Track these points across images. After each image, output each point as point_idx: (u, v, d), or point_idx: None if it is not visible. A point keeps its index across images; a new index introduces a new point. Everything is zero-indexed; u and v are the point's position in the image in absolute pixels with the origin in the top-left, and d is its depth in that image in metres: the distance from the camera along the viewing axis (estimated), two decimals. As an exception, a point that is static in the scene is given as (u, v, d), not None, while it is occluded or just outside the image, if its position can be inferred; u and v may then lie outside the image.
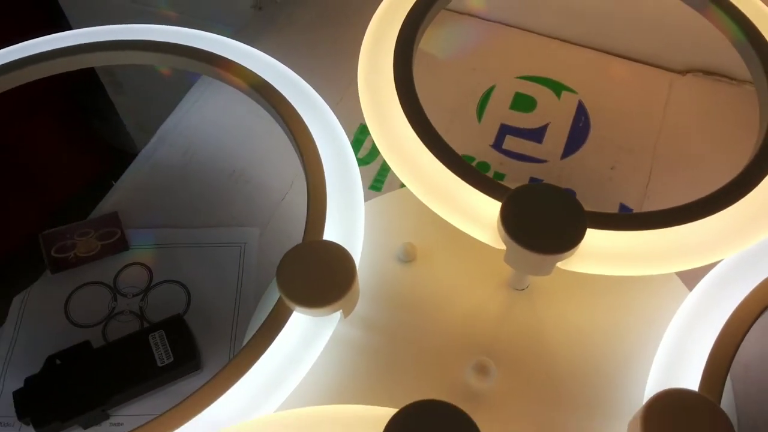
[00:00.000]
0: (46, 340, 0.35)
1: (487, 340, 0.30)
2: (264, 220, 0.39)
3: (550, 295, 0.32)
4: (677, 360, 0.26)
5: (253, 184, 0.41)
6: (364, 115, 0.32)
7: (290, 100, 0.35)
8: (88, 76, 0.92)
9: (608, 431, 0.28)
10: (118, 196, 0.41)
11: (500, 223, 0.27)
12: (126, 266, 0.37)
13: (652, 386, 0.26)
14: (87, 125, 1.04)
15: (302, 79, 0.36)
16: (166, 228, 0.39)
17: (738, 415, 0.31)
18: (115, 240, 0.38)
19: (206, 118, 0.45)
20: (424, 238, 0.33)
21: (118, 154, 1.12)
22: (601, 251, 0.27)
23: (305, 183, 0.32)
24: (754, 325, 0.28)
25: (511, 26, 0.50)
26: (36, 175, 0.96)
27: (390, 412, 0.22)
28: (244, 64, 0.37)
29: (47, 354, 0.33)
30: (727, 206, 0.28)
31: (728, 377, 0.26)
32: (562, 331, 0.31)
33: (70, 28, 0.78)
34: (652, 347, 0.27)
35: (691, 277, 0.29)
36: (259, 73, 0.37)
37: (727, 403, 0.31)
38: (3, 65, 0.38)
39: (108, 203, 0.40)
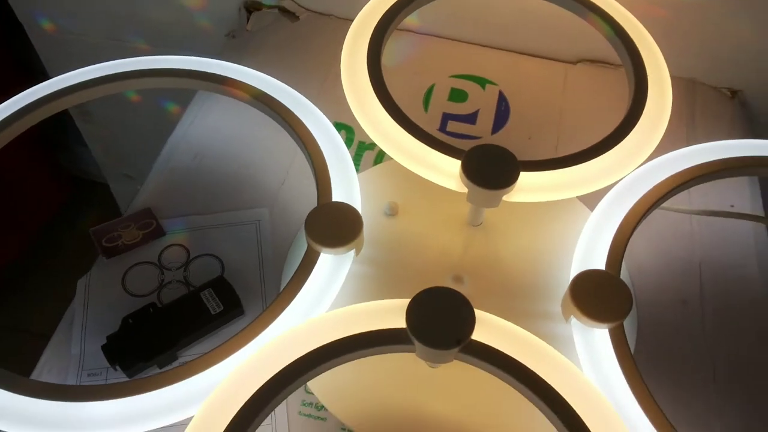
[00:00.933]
0: (112, 310, 0.42)
1: (459, 261, 0.41)
2: (271, 202, 0.49)
3: (498, 226, 0.43)
4: (589, 252, 0.37)
5: (256, 175, 0.50)
6: (350, 106, 0.42)
7: (286, 104, 0.45)
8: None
9: (550, 309, 0.39)
10: (146, 196, 0.49)
11: (462, 172, 0.37)
12: (166, 247, 0.45)
13: (573, 272, 0.37)
14: (53, 154, 1.09)
15: (290, 87, 0.46)
16: (193, 215, 0.48)
17: (632, 283, 0.43)
18: (152, 229, 0.46)
19: (207, 127, 0.54)
20: (403, 198, 0.44)
21: (84, 183, 1.17)
22: (530, 186, 0.39)
23: (301, 169, 0.41)
24: (639, 226, 0.39)
25: (441, 37, 0.62)
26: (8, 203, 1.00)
27: (406, 301, 0.32)
28: (243, 81, 0.46)
29: (116, 319, 0.41)
30: (610, 149, 0.40)
31: (623, 259, 0.37)
32: (508, 248, 0.42)
33: (48, 75, 0.84)
34: (571, 248, 0.38)
35: (593, 201, 0.41)
36: (257, 87, 0.46)
37: (623, 275, 0.42)
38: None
39: (138, 202, 0.49)
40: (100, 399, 0.33)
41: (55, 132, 1.07)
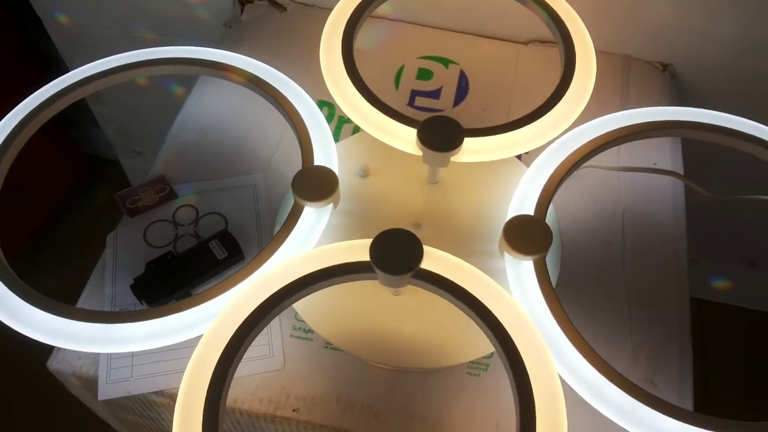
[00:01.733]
0: (136, 258, 0.51)
1: (418, 212, 0.49)
2: (265, 168, 0.57)
3: (451, 183, 0.51)
4: (522, 201, 0.45)
5: (252, 147, 0.58)
6: (327, 86, 0.49)
7: (275, 86, 0.52)
8: None
9: (490, 248, 0.47)
10: (160, 166, 0.57)
11: (417, 139, 0.45)
12: (179, 208, 0.54)
13: (508, 217, 0.45)
14: (67, 135, 1.16)
15: (278, 72, 0.54)
16: (200, 181, 0.56)
17: (559, 228, 0.51)
18: (167, 192, 0.54)
19: (210, 107, 0.61)
20: (373, 161, 0.52)
21: (97, 160, 1.24)
22: (474, 149, 0.46)
23: (291, 140, 0.49)
24: (571, 180, 0.47)
25: (410, 23, 0.69)
26: (26, 185, 1.08)
27: (370, 240, 0.40)
28: (240, 66, 0.54)
29: (140, 266, 0.50)
30: (542, 116, 0.48)
31: (551, 206, 0.45)
32: (459, 201, 0.50)
33: (64, 64, 0.91)
34: (510, 199, 0.46)
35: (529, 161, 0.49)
36: (251, 71, 0.54)
37: (554, 222, 0.50)
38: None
39: (155, 171, 0.57)
40: (133, 321, 0.41)
41: (69, 115, 1.14)
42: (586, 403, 0.37)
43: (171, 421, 0.46)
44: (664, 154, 0.58)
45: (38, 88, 0.51)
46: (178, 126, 0.60)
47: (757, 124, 0.48)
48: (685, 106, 0.50)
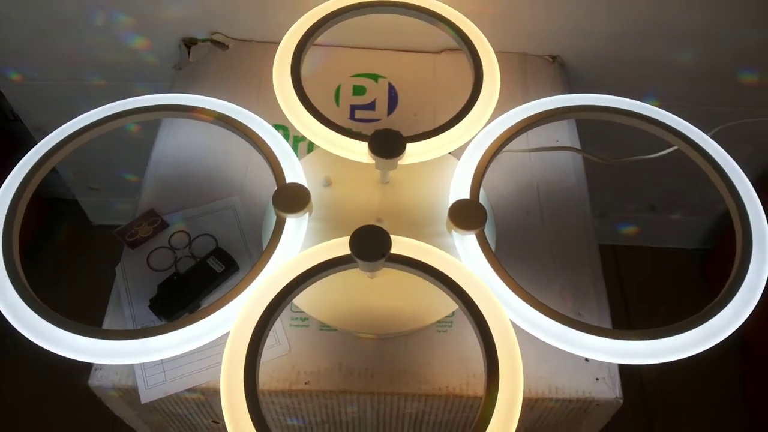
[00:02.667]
0: (144, 282, 0.58)
1: (378, 209, 0.59)
2: (239, 191, 0.65)
3: (401, 182, 0.61)
4: (458, 188, 0.55)
5: (224, 173, 0.66)
6: (283, 111, 0.57)
7: (241, 121, 0.60)
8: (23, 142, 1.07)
9: (440, 229, 0.57)
10: (146, 201, 0.64)
11: (369, 150, 0.55)
12: (172, 234, 0.61)
13: (450, 203, 0.55)
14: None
15: (240, 107, 0.62)
16: (185, 209, 0.63)
17: (489, 204, 0.62)
18: (159, 223, 0.62)
19: (179, 143, 0.68)
20: (333, 172, 0.61)
21: (56, 202, 1.26)
22: (414, 151, 0.56)
23: (256, 163, 0.57)
24: (491, 165, 0.58)
25: (339, 46, 0.78)
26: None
27: (347, 237, 0.50)
28: (205, 107, 0.61)
29: (149, 289, 0.57)
30: (462, 119, 0.58)
31: (482, 188, 0.56)
32: (409, 195, 0.60)
33: (19, 119, 0.94)
34: (449, 188, 0.56)
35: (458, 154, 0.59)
36: (216, 110, 0.61)
37: (484, 200, 0.61)
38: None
39: (143, 206, 0.63)
40: (161, 334, 0.49)
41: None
42: (531, 335, 0.48)
43: (199, 415, 0.54)
44: (563, 133, 0.70)
45: None
46: (153, 163, 0.67)
47: (631, 100, 0.60)
48: (573, 89, 0.61)
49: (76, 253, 1.20)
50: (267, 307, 0.48)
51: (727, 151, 0.55)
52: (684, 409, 1.10)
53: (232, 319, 0.49)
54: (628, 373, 1.15)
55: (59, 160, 0.57)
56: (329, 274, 0.50)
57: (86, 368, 0.54)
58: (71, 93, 0.85)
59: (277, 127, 0.66)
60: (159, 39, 0.78)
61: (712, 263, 1.20)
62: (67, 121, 0.57)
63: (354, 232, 0.49)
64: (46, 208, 1.23)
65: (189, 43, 0.77)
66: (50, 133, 0.56)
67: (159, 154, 0.67)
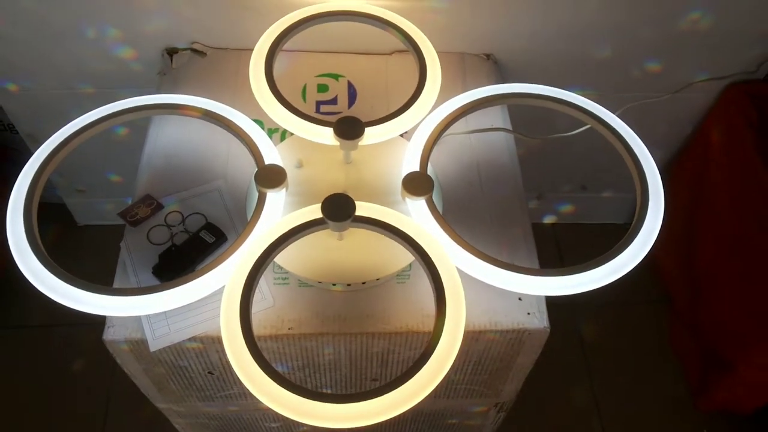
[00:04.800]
0: (146, 255, 0.65)
1: (343, 184, 0.67)
2: (222, 175, 0.73)
3: (361, 161, 0.69)
4: (410, 163, 0.64)
5: (208, 161, 0.73)
6: (260, 105, 0.64)
7: (224, 115, 0.68)
8: (12, 150, 1.12)
9: (396, 198, 0.66)
10: (142, 188, 0.71)
11: (334, 134, 0.63)
12: (168, 214, 0.68)
13: (402, 175, 0.64)
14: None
15: (222, 104, 0.70)
16: (177, 192, 0.71)
17: (437, 178, 0.71)
18: (155, 205, 0.69)
19: (168, 137, 0.76)
20: (304, 155, 0.69)
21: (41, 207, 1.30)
22: (371, 134, 0.65)
23: (236, 153, 0.65)
24: (437, 145, 0.67)
25: (304, 51, 0.86)
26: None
27: (319, 204, 0.58)
28: (192, 104, 0.69)
29: (151, 259, 0.65)
30: (410, 107, 0.67)
31: (429, 164, 0.65)
32: (369, 171, 0.69)
33: (10, 131, 1.00)
34: (400, 164, 0.65)
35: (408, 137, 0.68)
36: (201, 107, 0.69)
37: (433, 174, 0.70)
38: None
39: (140, 191, 0.71)
40: (166, 290, 0.56)
41: (11, 170, 1.21)
42: (474, 279, 0.57)
43: (197, 365, 0.62)
44: (497, 118, 0.80)
45: None
46: (146, 156, 0.74)
47: (551, 87, 0.69)
48: (504, 82, 0.71)
49: (65, 252, 1.25)
50: (255, 261, 0.55)
51: (634, 128, 0.65)
52: (620, 361, 1.22)
53: (225, 276, 0.57)
54: (569, 331, 1.26)
55: (68, 152, 0.64)
56: (305, 235, 0.58)
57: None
58: (63, 101, 0.91)
59: (254, 121, 0.74)
60: (144, 49, 0.85)
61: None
62: (59, 127, 0.63)
63: (324, 199, 0.58)
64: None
65: (171, 51, 0.84)
66: (42, 139, 0.61)
67: (151, 148, 0.75)
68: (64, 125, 0.64)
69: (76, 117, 0.64)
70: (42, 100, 0.92)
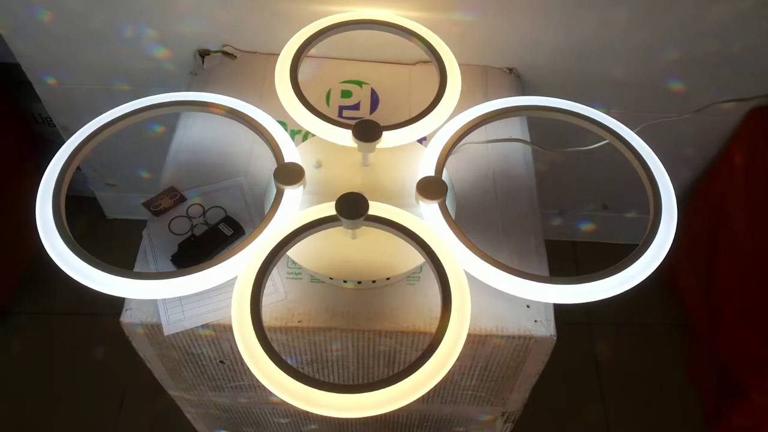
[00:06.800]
0: (166, 244, 0.68)
1: (359, 186, 0.69)
2: (244, 173, 0.75)
3: (378, 164, 0.71)
4: (425, 168, 0.66)
5: (232, 158, 0.76)
6: (285, 107, 0.67)
7: (249, 114, 0.71)
8: (48, 142, 1.17)
9: (410, 201, 0.68)
10: (168, 179, 0.74)
11: (353, 136, 0.65)
12: (189, 206, 0.71)
13: (418, 179, 0.66)
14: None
15: (247, 103, 0.72)
16: (200, 186, 0.73)
17: (452, 184, 0.73)
18: (178, 197, 0.72)
19: (194, 134, 0.78)
20: (323, 156, 0.72)
21: (73, 200, 1.35)
22: (389, 138, 0.66)
23: (258, 152, 0.68)
24: (454, 152, 0.69)
25: (331, 58, 0.89)
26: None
27: (332, 202, 0.60)
28: (220, 103, 0.72)
29: (170, 248, 0.67)
30: (428, 114, 0.68)
31: (445, 170, 0.67)
32: (385, 174, 0.71)
33: (47, 124, 1.04)
34: (416, 168, 0.67)
35: (426, 143, 0.70)
36: (229, 105, 0.72)
37: (448, 181, 0.72)
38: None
39: (165, 183, 0.73)
40: (183, 276, 0.58)
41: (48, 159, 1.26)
42: (483, 284, 0.58)
43: (209, 353, 0.64)
44: (515, 128, 0.81)
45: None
46: (173, 150, 0.77)
47: (570, 101, 0.71)
48: (525, 95, 0.72)
49: (93, 242, 1.29)
50: (269, 253, 0.57)
51: (654, 147, 0.65)
52: (634, 382, 1.21)
53: (239, 266, 0.59)
54: (585, 349, 1.25)
55: (99, 142, 0.67)
56: (318, 231, 0.60)
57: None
58: (98, 96, 0.96)
59: (277, 122, 0.77)
60: (178, 50, 0.88)
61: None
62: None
63: (339, 197, 0.60)
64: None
65: (203, 53, 0.88)
66: (70, 132, 0.65)
67: (178, 143, 0.78)
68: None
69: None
70: (78, 94, 0.96)
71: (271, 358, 0.51)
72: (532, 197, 0.75)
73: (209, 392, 0.77)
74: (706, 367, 1.13)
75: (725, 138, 1.05)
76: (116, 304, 0.63)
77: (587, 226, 1.34)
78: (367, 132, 0.65)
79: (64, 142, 0.65)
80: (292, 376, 0.49)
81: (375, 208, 0.60)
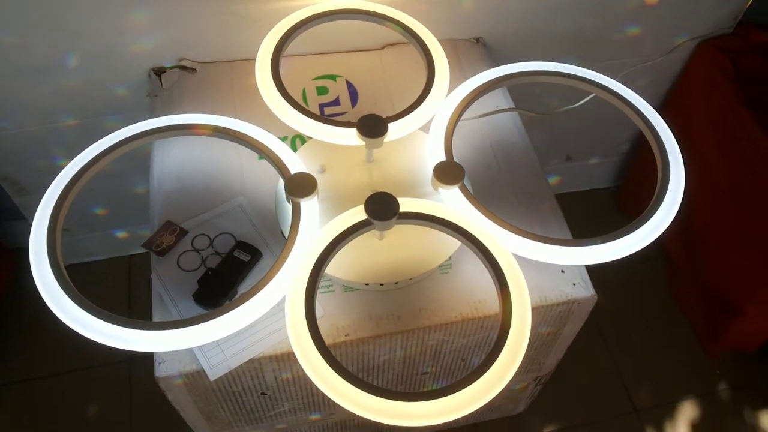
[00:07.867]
0: (180, 283, 0.63)
1: (368, 182, 0.67)
2: (241, 191, 0.71)
3: (383, 159, 0.69)
4: (434, 154, 0.65)
5: (225, 178, 0.72)
6: (278, 116, 0.64)
7: (239, 130, 0.66)
8: None
9: (427, 189, 0.66)
10: (160, 215, 0.69)
11: (358, 133, 0.63)
12: (194, 238, 0.66)
13: (431, 166, 0.64)
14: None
15: (232, 118, 0.67)
16: (198, 215, 0.69)
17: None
18: (178, 231, 0.67)
19: (174, 158, 0.73)
20: (326, 159, 0.69)
21: (24, 252, 1.23)
22: (394, 130, 0.65)
23: (250, 166, 0.64)
24: (454, 133, 0.68)
25: (298, 55, 0.84)
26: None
27: (361, 206, 0.58)
28: (206, 123, 0.67)
29: (187, 287, 0.62)
30: (422, 101, 0.67)
31: (453, 152, 0.65)
32: (393, 167, 0.68)
33: None
34: (422, 156, 0.65)
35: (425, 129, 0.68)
36: (212, 124, 0.67)
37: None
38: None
39: (159, 219, 0.68)
40: (213, 318, 0.54)
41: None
42: (520, 258, 0.57)
43: (250, 387, 0.60)
44: (500, 98, 0.81)
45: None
46: (156, 181, 0.71)
47: (552, 63, 0.70)
48: (497, 63, 0.71)
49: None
50: (311, 271, 0.54)
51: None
52: (629, 321, 1.26)
53: (277, 294, 0.55)
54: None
55: (86, 181, 0.61)
56: (353, 238, 0.57)
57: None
58: (44, 137, 0.87)
59: (263, 131, 0.72)
60: (129, 71, 0.81)
61: (624, 195, 1.36)
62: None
63: (366, 199, 0.57)
64: (13, 259, 1.21)
65: (158, 71, 0.81)
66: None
67: (160, 173, 0.72)
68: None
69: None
70: (20, 139, 0.87)
71: (349, 381, 0.48)
72: (533, 161, 0.76)
73: (246, 426, 0.74)
74: (693, 294, 1.19)
75: (678, 75, 1.10)
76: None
77: (554, 179, 1.37)
78: (373, 127, 0.63)
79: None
80: (378, 395, 0.48)
81: (404, 204, 0.58)
